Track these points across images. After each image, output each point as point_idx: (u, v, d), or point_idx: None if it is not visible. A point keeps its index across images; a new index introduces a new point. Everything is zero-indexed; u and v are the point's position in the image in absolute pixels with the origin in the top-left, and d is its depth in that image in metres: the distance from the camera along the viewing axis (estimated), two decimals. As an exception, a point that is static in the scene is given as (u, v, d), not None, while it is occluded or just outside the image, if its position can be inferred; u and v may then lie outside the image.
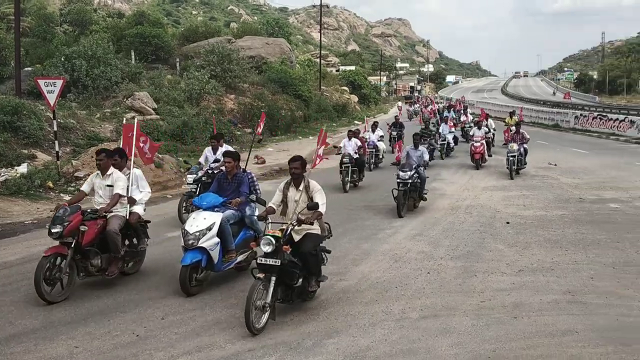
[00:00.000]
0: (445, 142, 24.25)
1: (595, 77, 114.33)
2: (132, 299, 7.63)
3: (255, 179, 9.26)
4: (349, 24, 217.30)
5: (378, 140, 21.69)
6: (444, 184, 17.67)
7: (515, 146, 18.66)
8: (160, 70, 32.88)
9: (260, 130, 14.00)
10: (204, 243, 7.55)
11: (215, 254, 7.70)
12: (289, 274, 6.65)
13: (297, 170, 7.18)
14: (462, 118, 32.46)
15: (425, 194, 13.86)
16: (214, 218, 7.79)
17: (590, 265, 9.03)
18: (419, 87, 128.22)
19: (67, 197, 14.67)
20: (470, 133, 22.67)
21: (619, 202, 14.38)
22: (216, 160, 12.01)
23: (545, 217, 12.67)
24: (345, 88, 61.69)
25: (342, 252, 9.91)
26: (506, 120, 28.67)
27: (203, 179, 11.91)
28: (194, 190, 11.86)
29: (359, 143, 17.47)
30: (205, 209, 7.91)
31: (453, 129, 26.10)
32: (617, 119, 34.72)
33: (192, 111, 26.11)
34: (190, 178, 12.27)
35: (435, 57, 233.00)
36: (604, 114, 38.44)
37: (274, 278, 6.48)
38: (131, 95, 25.44)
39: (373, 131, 21.83)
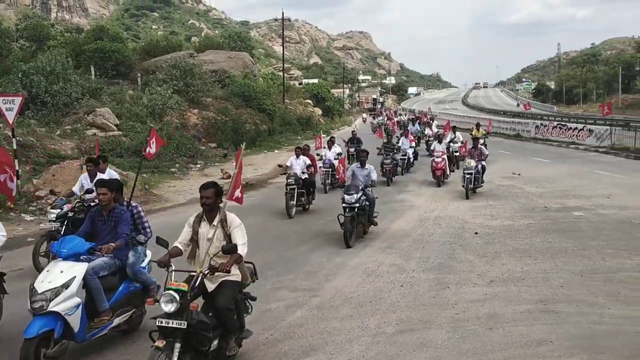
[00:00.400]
0: (406, 157, 23.10)
1: (552, 87, 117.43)
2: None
3: (142, 213, 7.35)
4: (311, 37, 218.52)
5: (335, 158, 18.89)
6: (411, 196, 17.76)
7: (472, 163, 17.20)
8: (122, 86, 32.40)
9: (152, 151, 11.18)
10: (58, 306, 5.62)
11: (74, 320, 5.76)
12: (199, 338, 5.22)
13: (209, 200, 5.76)
14: (427, 131, 32.45)
15: (376, 217, 12.58)
16: (75, 271, 5.91)
17: (559, 273, 9.15)
18: (381, 99, 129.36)
19: (28, 217, 14.29)
20: (432, 147, 22.16)
21: (583, 210, 14.66)
22: (89, 191, 9.55)
23: (512, 227, 12.82)
24: (309, 101, 61.87)
25: (314, 267, 9.85)
26: (472, 133, 26.47)
27: (70, 214, 9.50)
28: (59, 230, 9.32)
29: (308, 161, 15.81)
30: (65, 258, 6.02)
31: (413, 144, 24.79)
32: (576, 128, 35.59)
33: (155, 126, 25.74)
34: (52, 214, 9.60)
35: (397, 69, 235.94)
36: (563, 123, 39.41)
37: (178, 345, 5.00)
38: (92, 111, 25.00)
39: (329, 148, 19.90)
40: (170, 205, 16.67)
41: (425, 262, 9.98)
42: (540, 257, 10.15)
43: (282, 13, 57.47)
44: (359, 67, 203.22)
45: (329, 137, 22.09)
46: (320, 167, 18.68)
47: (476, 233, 12.17)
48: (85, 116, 24.98)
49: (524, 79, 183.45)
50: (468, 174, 17.09)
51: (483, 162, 17.90)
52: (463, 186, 17.36)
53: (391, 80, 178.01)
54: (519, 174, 21.59)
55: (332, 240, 11.94)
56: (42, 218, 13.75)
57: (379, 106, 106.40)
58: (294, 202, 14.79)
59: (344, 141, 24.55)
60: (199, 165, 25.09)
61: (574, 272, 9.17)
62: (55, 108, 25.47)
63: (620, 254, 10.25)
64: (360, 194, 11.74)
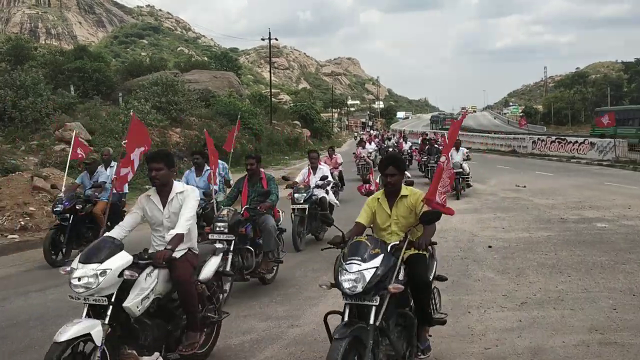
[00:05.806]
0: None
1: (540, 109, 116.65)
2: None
3: None
4: (299, 63, 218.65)
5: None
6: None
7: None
8: (96, 101, 30.53)
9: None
10: None
11: None
12: None
13: None
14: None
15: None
16: None
17: (604, 292, 7.26)
18: (370, 123, 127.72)
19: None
20: None
21: (605, 221, 12.84)
22: None
23: (530, 239, 10.95)
24: (297, 122, 60.20)
25: (295, 287, 7.91)
26: None
27: None
28: None
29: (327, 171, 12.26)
30: None
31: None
32: (577, 142, 34.07)
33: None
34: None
35: (385, 94, 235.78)
36: (562, 137, 37.92)
37: None
38: (62, 126, 23.10)
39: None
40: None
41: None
42: (574, 274, 8.26)
43: (270, 33, 55.05)
44: (347, 92, 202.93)
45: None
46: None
47: (490, 247, 10.30)
48: (55, 132, 23.08)
49: (510, 103, 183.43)
50: None
51: None
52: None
53: (380, 105, 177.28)
54: (524, 186, 19.80)
55: (321, 255, 10.01)
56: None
57: (367, 129, 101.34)
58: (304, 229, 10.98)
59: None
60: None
61: (623, 291, 7.28)
62: (24, 124, 23.62)
63: (671, 268, 8.41)
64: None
